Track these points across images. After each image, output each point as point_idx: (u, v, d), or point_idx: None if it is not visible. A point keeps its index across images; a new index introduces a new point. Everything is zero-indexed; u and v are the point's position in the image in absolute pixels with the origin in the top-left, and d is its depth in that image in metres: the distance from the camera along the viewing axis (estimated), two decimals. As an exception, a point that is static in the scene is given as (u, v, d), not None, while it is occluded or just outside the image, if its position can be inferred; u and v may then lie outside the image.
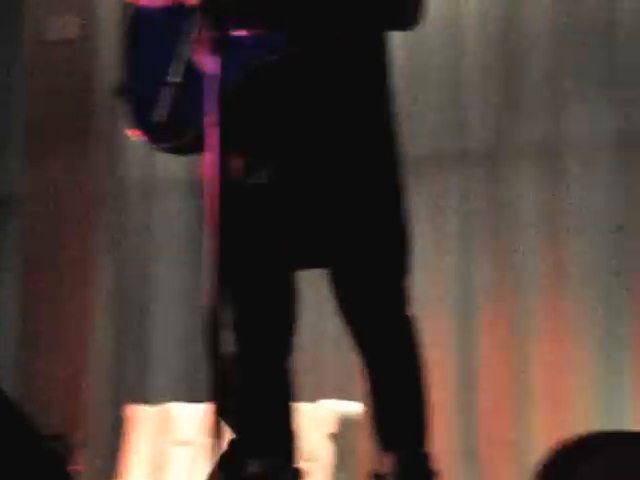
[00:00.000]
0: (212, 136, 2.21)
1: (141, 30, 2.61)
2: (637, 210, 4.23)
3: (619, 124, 4.28)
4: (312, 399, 3.87)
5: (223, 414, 2.46)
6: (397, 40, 3.95)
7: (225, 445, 2.55)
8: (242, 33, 2.46)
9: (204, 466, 2.30)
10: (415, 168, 4.25)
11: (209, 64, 2.24)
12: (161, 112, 2.40)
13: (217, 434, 2.18)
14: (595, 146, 4.31)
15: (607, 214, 4.27)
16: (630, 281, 4.22)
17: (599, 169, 4.30)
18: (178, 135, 2.46)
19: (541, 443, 4.06)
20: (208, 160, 2.21)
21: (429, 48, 4.56)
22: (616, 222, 4.25)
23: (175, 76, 2.42)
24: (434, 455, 2.58)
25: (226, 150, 2.34)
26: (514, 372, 4.34)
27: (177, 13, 2.48)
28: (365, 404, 2.67)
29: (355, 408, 3.79)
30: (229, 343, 2.54)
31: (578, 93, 4.34)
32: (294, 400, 2.67)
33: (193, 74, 2.39)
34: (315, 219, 2.53)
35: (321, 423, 3.91)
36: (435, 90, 4.55)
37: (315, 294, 3.12)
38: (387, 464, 2.51)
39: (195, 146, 2.37)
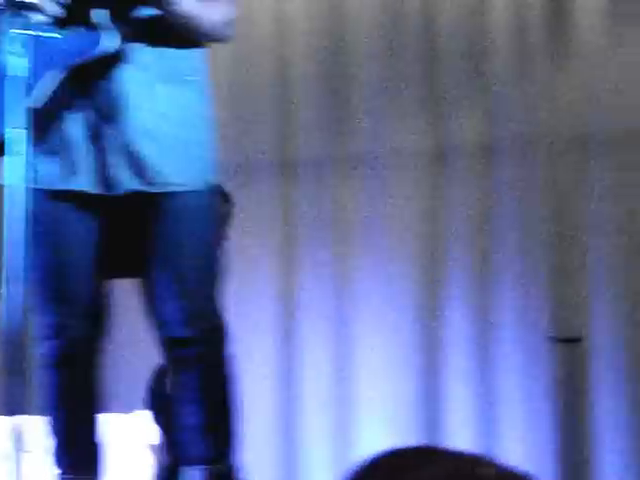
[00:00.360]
0: (16, 140, 2.15)
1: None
2: (454, 217, 4.34)
3: (438, 138, 4.39)
4: (128, 409, 3.81)
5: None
6: (224, 52, 3.97)
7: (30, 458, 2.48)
8: (54, 34, 2.39)
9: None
10: (239, 176, 4.26)
11: (15, 65, 2.17)
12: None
13: (20, 447, 2.12)
14: (415, 158, 4.41)
15: (424, 222, 4.37)
16: (447, 286, 4.32)
17: (418, 180, 4.39)
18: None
19: (361, 452, 4.11)
20: (9, 165, 2.15)
21: (257, 59, 4.57)
22: (431, 229, 4.35)
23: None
24: (241, 467, 2.58)
25: (33, 156, 2.27)
26: (337, 381, 4.37)
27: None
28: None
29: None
30: (33, 354, 2.47)
31: (401, 107, 4.42)
32: (101, 410, 2.61)
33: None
34: (125, 227, 2.51)
35: (138, 434, 3.85)
36: (261, 101, 4.56)
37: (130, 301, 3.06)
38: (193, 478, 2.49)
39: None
